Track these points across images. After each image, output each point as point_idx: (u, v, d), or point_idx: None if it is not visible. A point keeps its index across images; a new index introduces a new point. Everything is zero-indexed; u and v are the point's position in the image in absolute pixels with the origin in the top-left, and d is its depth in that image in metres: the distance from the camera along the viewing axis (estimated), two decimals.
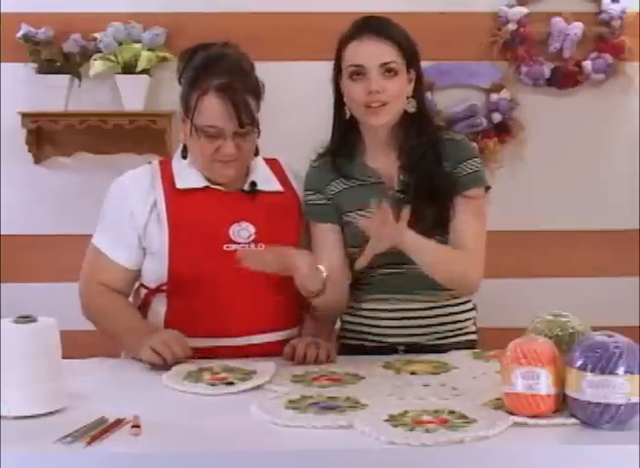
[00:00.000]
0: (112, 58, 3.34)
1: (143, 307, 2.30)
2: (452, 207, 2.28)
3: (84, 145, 3.49)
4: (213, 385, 1.94)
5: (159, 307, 2.26)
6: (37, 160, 3.45)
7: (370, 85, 2.22)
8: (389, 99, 2.24)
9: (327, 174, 2.35)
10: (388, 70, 2.23)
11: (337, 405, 1.77)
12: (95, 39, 3.35)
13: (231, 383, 1.95)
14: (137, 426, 1.65)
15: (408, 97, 2.29)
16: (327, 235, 2.33)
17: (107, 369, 2.13)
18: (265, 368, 2.03)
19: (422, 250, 2.18)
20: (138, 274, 2.31)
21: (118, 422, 1.68)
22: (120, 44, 3.33)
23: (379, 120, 2.26)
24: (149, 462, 1.58)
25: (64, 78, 3.36)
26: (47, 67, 3.35)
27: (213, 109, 2.18)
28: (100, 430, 1.64)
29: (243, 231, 2.24)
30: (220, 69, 2.20)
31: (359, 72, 2.24)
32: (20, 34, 3.33)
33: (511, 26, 3.43)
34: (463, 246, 2.24)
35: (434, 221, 2.26)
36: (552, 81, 3.48)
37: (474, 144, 2.39)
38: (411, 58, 2.28)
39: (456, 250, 2.24)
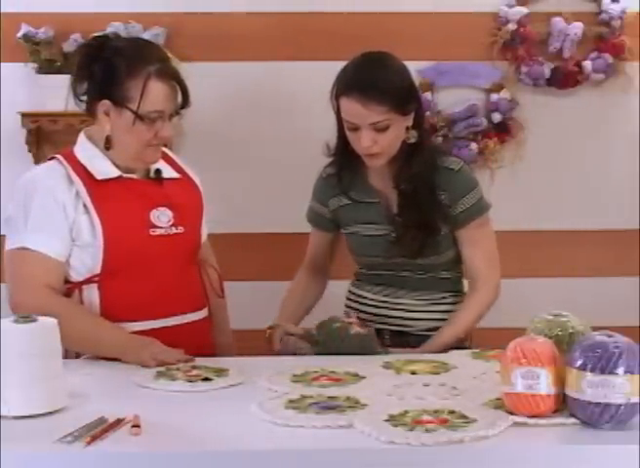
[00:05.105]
0: None
1: None
2: (458, 239, 2.43)
3: None
4: (191, 382, 1.96)
5: (91, 298, 2.24)
6: (37, 160, 3.44)
7: (363, 141, 2.31)
8: (382, 150, 2.34)
9: (332, 188, 2.50)
10: (379, 127, 2.30)
11: (337, 404, 1.77)
12: None
13: (208, 379, 1.98)
14: (137, 426, 1.65)
15: (408, 128, 2.34)
16: (319, 239, 2.59)
17: (107, 369, 2.13)
18: (235, 365, 2.07)
19: (456, 336, 2.38)
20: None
21: (118, 422, 1.68)
22: None
23: (376, 164, 2.38)
24: (149, 462, 1.59)
25: (64, 78, 3.34)
26: (47, 67, 3.34)
27: (158, 94, 2.22)
28: (100, 430, 1.64)
29: (162, 216, 2.30)
30: (151, 55, 2.26)
31: (353, 127, 2.33)
32: (20, 34, 3.32)
33: (511, 26, 3.42)
34: (478, 275, 2.43)
35: (421, 246, 2.39)
36: (552, 81, 3.47)
37: (470, 170, 2.40)
38: (406, 101, 2.34)
39: (472, 297, 2.43)
